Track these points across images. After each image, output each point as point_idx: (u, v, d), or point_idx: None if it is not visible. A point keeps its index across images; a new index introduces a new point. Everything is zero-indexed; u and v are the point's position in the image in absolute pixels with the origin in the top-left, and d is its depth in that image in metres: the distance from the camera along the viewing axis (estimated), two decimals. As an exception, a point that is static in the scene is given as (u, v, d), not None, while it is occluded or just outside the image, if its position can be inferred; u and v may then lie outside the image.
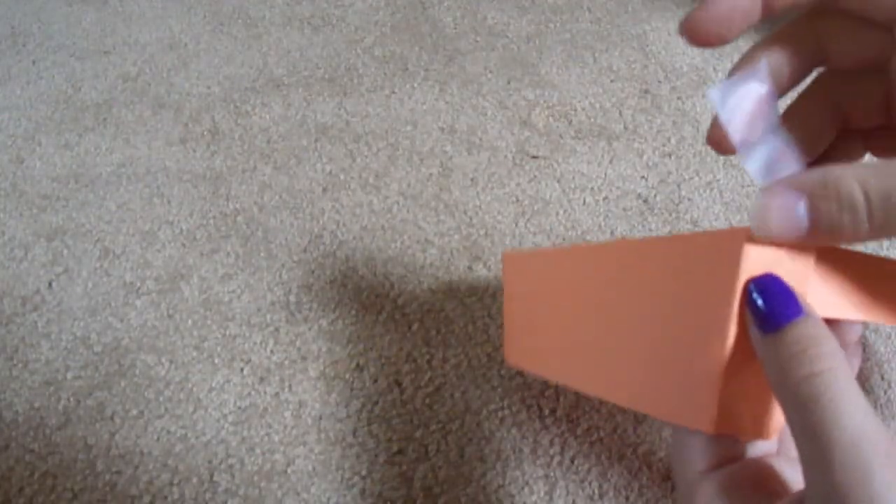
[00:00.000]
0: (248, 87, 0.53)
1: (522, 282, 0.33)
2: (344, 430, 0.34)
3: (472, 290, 0.40)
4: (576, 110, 0.51)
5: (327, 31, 0.59)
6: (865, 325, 0.37)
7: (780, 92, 0.23)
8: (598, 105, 0.52)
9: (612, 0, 0.62)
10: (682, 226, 0.43)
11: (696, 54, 0.56)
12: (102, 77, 0.54)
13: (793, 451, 0.19)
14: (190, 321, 0.38)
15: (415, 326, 0.38)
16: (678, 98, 0.52)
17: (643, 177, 0.46)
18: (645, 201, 0.45)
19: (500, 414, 0.35)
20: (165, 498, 0.32)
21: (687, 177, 0.46)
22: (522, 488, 0.32)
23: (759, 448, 0.23)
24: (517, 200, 0.45)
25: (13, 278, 0.41)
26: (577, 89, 0.53)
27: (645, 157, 0.48)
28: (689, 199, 0.45)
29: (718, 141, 0.23)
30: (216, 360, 0.37)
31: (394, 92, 0.53)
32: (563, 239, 0.43)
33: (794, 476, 0.22)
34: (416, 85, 0.53)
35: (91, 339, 0.38)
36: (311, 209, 0.44)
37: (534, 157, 0.48)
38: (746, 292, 0.20)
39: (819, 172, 0.19)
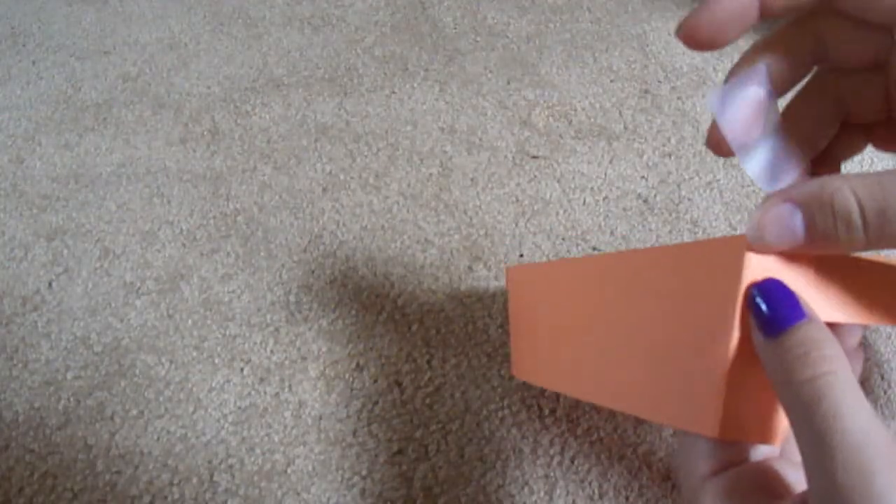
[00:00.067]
0: (248, 87, 0.53)
1: (526, 295, 0.33)
2: (344, 430, 0.34)
3: (472, 290, 0.40)
4: (576, 110, 0.51)
5: (327, 31, 0.59)
6: (866, 326, 0.37)
7: (780, 93, 0.23)
8: (598, 105, 0.52)
9: (612, 0, 0.62)
10: (682, 226, 0.43)
11: (696, 54, 0.56)
12: (102, 77, 0.54)
13: (796, 454, 0.19)
14: (190, 321, 0.38)
15: (415, 326, 0.38)
16: (678, 98, 0.52)
17: (643, 177, 0.46)
18: (645, 201, 0.45)
19: (500, 414, 0.35)
20: (165, 498, 0.32)
21: (687, 177, 0.46)
22: (522, 488, 0.32)
23: (762, 451, 0.23)
24: (517, 200, 0.45)
25: (13, 278, 0.41)
26: (577, 89, 0.53)
27: (645, 157, 0.48)
28: (689, 199, 0.45)
29: (717, 143, 0.23)
30: (216, 360, 0.37)
31: (394, 92, 0.53)
32: (563, 239, 0.43)
33: (797, 478, 0.22)
34: (416, 85, 0.53)
35: (91, 339, 0.38)
36: (311, 209, 0.44)
37: (534, 157, 0.48)
38: (749, 297, 0.20)
39: (816, 184, 0.19)
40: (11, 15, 0.61)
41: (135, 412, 0.35)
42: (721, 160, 0.47)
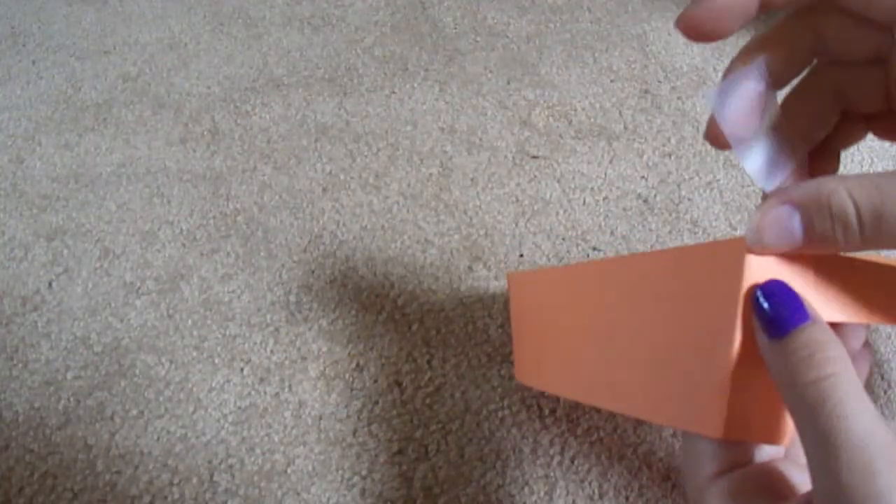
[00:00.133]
0: (248, 87, 0.53)
1: (528, 301, 0.33)
2: (344, 430, 0.34)
3: (472, 290, 0.40)
4: (576, 110, 0.51)
5: (327, 31, 0.59)
6: (867, 326, 0.37)
7: (778, 86, 0.23)
8: (598, 105, 0.52)
9: (612, 0, 0.62)
10: (682, 226, 0.43)
11: (696, 54, 0.56)
12: (102, 77, 0.54)
13: (800, 455, 0.20)
14: (190, 321, 0.38)
15: (415, 326, 0.38)
16: (678, 98, 0.52)
17: (643, 177, 0.46)
18: (645, 201, 0.45)
19: (500, 414, 0.35)
20: (165, 498, 0.32)
21: (687, 177, 0.46)
22: (522, 488, 0.32)
23: (766, 452, 0.23)
24: (517, 200, 0.45)
25: (13, 278, 0.41)
26: (577, 89, 0.53)
27: (645, 157, 0.48)
28: (689, 199, 0.45)
29: (716, 136, 0.23)
30: (216, 360, 0.37)
31: (394, 92, 0.53)
32: (563, 239, 0.43)
33: (801, 479, 0.22)
34: (416, 85, 0.53)
35: (91, 339, 0.38)
36: (311, 209, 0.44)
37: (534, 157, 0.48)
38: (753, 298, 0.20)
39: (813, 186, 0.19)
40: (11, 15, 0.61)
41: (135, 412, 0.35)
42: (721, 160, 0.47)
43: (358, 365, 0.37)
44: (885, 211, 0.18)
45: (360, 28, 0.59)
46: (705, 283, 0.22)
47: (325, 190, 0.46)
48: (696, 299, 0.22)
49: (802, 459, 0.20)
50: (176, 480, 0.32)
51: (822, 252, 0.20)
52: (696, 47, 0.57)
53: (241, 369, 0.36)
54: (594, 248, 0.42)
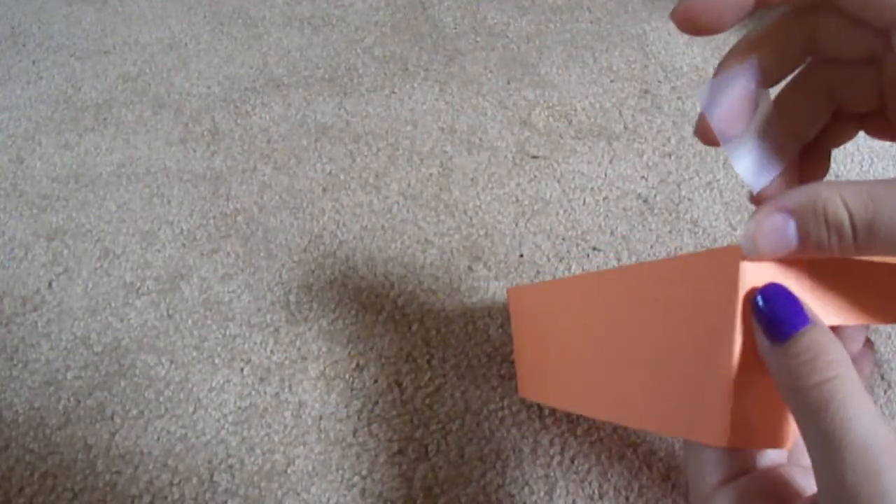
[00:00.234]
0: (248, 87, 0.53)
1: (528, 316, 0.33)
2: (344, 430, 0.34)
3: (472, 290, 0.40)
4: (576, 110, 0.51)
5: (327, 31, 0.59)
6: (866, 326, 0.37)
7: (770, 85, 0.23)
8: (598, 105, 0.52)
9: (612, 0, 0.62)
10: (682, 226, 0.43)
11: (696, 54, 0.56)
12: (102, 77, 0.54)
13: (804, 459, 0.20)
14: (190, 321, 0.38)
15: (415, 326, 0.38)
16: (678, 98, 0.52)
17: (643, 177, 0.46)
18: (645, 201, 0.45)
19: (500, 414, 0.35)
20: (165, 498, 0.32)
21: (687, 177, 0.46)
22: (522, 488, 0.32)
23: (770, 458, 0.23)
24: (517, 200, 0.45)
25: (13, 278, 0.41)
26: (577, 89, 0.53)
27: (645, 157, 0.48)
28: (689, 199, 0.45)
29: (705, 132, 0.23)
30: (216, 360, 0.37)
31: (394, 92, 0.53)
32: (563, 239, 0.43)
33: (806, 483, 0.22)
34: (416, 85, 0.53)
35: (91, 339, 0.38)
36: (311, 209, 0.44)
37: (534, 157, 0.48)
38: (753, 303, 0.20)
39: (808, 193, 0.19)
40: (11, 15, 0.61)
41: (135, 412, 0.35)
42: (721, 160, 0.47)
43: (358, 365, 0.37)
44: (878, 220, 0.18)
45: (360, 28, 0.59)
46: (703, 292, 0.22)
47: (325, 190, 0.46)
48: (694, 309, 0.22)
49: (806, 462, 0.20)
50: (176, 480, 0.32)
51: (814, 257, 0.20)
52: (697, 47, 0.57)
53: (241, 369, 0.36)
54: (594, 248, 0.42)
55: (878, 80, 0.22)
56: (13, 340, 0.38)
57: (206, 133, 0.50)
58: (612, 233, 0.43)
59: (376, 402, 0.35)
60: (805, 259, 0.21)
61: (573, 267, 0.41)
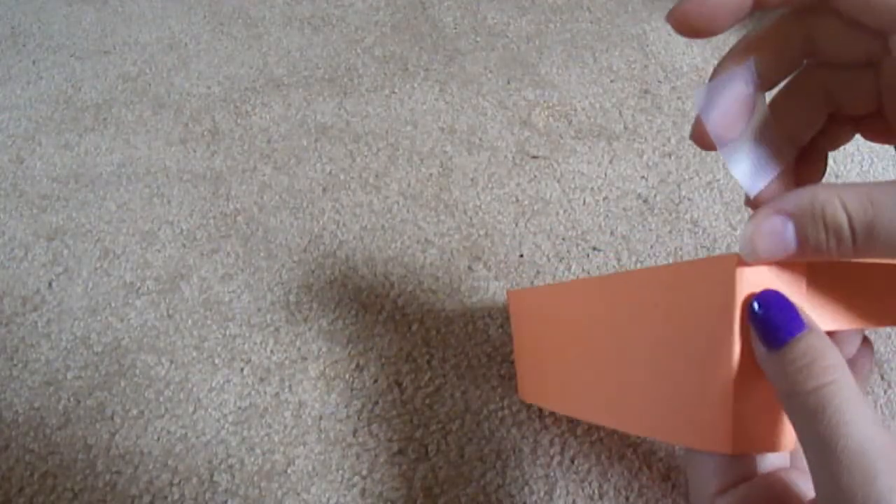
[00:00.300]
0: (248, 87, 0.53)
1: (528, 318, 0.33)
2: (344, 430, 0.34)
3: (472, 290, 0.40)
4: (576, 110, 0.51)
5: (327, 31, 0.59)
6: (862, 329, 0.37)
7: (767, 87, 0.23)
8: (598, 105, 0.52)
9: (612, 0, 0.62)
10: (682, 226, 0.43)
11: (696, 54, 0.56)
12: (102, 77, 0.54)
13: (804, 462, 0.20)
14: (190, 321, 0.38)
15: (415, 326, 0.38)
16: (678, 98, 0.52)
17: (643, 177, 0.46)
18: (645, 201, 0.45)
19: (500, 414, 0.35)
20: (165, 498, 0.32)
21: (687, 177, 0.46)
22: (522, 488, 0.32)
23: (771, 463, 0.23)
24: (517, 200, 0.45)
25: (13, 278, 0.41)
26: (577, 89, 0.53)
27: (645, 157, 0.48)
28: (689, 199, 0.45)
29: (701, 136, 0.23)
30: (216, 360, 0.37)
31: (394, 92, 0.53)
32: (563, 239, 0.43)
33: (807, 487, 0.22)
34: (416, 85, 0.53)
35: (91, 339, 0.38)
36: (311, 209, 0.44)
37: (534, 157, 0.48)
38: (749, 310, 0.21)
39: (807, 196, 0.19)
40: (11, 15, 0.61)
41: (135, 412, 0.35)
42: (721, 160, 0.47)
43: (358, 365, 0.37)
44: (877, 222, 0.18)
45: (360, 28, 0.59)
46: (701, 299, 0.22)
47: (325, 190, 0.46)
48: (693, 315, 0.22)
49: (807, 466, 0.20)
50: (176, 480, 0.32)
51: (812, 259, 0.20)
52: (697, 47, 0.57)
53: (241, 369, 0.36)
54: (594, 248, 0.42)
55: (875, 82, 0.22)
56: (13, 340, 0.38)
57: (206, 133, 0.50)
58: (612, 233, 0.43)
59: (376, 402, 0.35)
60: (802, 264, 0.21)
61: (573, 267, 0.41)
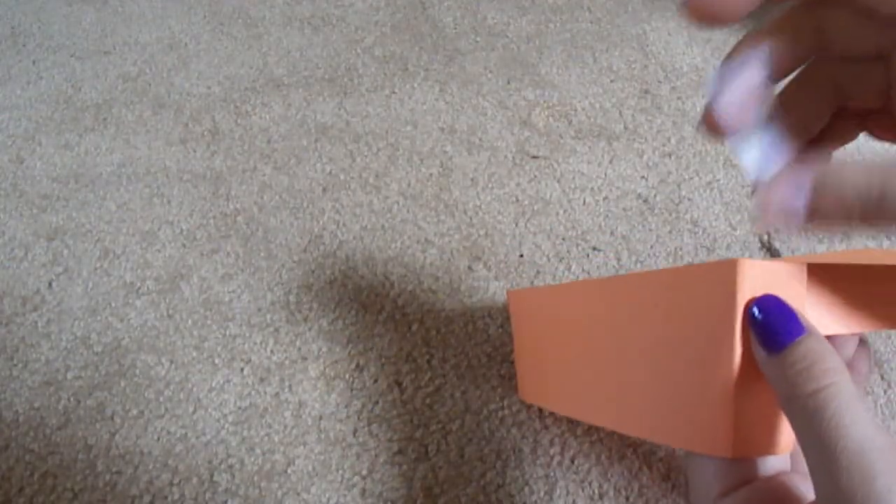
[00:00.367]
0: (248, 87, 0.53)
1: (528, 318, 0.33)
2: (344, 430, 0.34)
3: (472, 290, 0.40)
4: (576, 110, 0.51)
5: (327, 31, 0.59)
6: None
7: (777, 78, 0.23)
8: (598, 105, 0.52)
9: (611, 0, 0.62)
10: (682, 226, 0.43)
11: (696, 54, 0.56)
12: (102, 77, 0.54)
13: (805, 465, 0.20)
14: (190, 321, 0.38)
15: (415, 326, 0.38)
16: (678, 98, 0.52)
17: (643, 177, 0.46)
18: (645, 201, 0.45)
19: (500, 414, 0.35)
20: (165, 498, 0.32)
21: (687, 177, 0.46)
22: (522, 488, 0.32)
23: (772, 466, 0.23)
24: (517, 200, 0.45)
25: (13, 278, 0.41)
26: (577, 89, 0.53)
27: (645, 157, 0.48)
28: (689, 199, 0.45)
29: (711, 124, 0.22)
30: (216, 360, 0.37)
31: (394, 92, 0.53)
32: (563, 239, 0.43)
33: (808, 490, 0.22)
34: (416, 85, 0.53)
35: (91, 339, 0.38)
36: (311, 209, 0.44)
37: (534, 157, 0.48)
38: (749, 314, 0.21)
39: (819, 166, 0.20)
40: (11, 15, 0.61)
41: (135, 412, 0.35)
42: (721, 160, 0.47)
43: (358, 365, 0.37)
44: (887, 189, 0.18)
45: (360, 28, 0.59)
46: (702, 303, 0.22)
47: (325, 190, 0.46)
48: (694, 319, 0.22)
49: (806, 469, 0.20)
50: (176, 480, 0.32)
51: (820, 227, 0.20)
52: (697, 47, 0.57)
53: (241, 369, 0.36)
54: (594, 248, 0.42)
55: (885, 76, 0.22)
56: (13, 340, 0.38)
57: (206, 133, 0.50)
58: (612, 233, 0.43)
59: (376, 402, 0.35)
60: (803, 269, 0.21)
61: (573, 267, 0.41)
